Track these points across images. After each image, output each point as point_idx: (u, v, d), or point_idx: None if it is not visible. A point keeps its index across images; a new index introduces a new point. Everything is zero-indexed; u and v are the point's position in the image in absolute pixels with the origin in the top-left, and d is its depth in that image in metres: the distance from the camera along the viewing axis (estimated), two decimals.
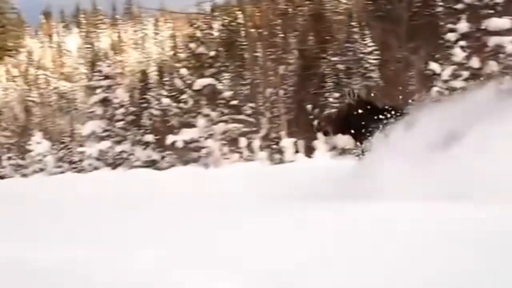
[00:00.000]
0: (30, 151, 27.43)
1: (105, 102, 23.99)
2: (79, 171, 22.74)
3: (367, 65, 23.72)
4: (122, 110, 23.38)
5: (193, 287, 2.28)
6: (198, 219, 4.20)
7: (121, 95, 23.77)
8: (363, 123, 4.96)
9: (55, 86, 70.22)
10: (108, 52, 71.89)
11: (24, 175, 25.43)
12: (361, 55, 23.92)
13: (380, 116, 4.85)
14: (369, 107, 5.23)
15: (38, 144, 27.17)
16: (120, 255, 2.93)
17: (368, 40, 24.15)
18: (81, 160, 24.50)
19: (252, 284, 2.21)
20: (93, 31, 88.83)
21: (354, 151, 5.39)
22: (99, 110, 24.04)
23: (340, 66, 23.74)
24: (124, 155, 22.41)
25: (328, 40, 25.73)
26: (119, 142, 22.73)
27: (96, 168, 21.46)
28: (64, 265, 3.03)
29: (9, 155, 28.66)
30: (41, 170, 26.00)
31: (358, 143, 5.36)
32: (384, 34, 21.95)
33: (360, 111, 5.17)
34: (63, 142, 34.25)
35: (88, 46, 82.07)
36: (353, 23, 25.20)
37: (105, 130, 23.14)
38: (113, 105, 23.64)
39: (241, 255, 2.69)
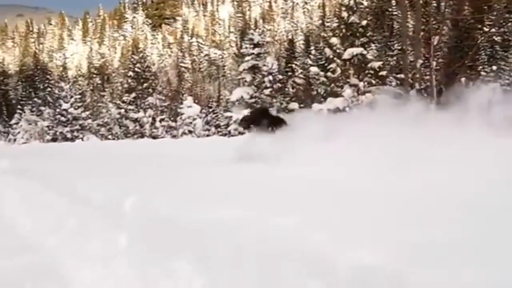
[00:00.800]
0: (181, 114, 29.19)
1: (254, 69, 24.83)
2: (224, 134, 23.82)
3: None
4: (270, 77, 24.04)
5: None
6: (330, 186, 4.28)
7: (270, 62, 24.42)
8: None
9: (206, 53, 73.91)
10: (258, 21, 73.80)
11: (174, 136, 27.18)
12: None
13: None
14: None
15: (189, 108, 28.82)
16: (267, 218, 3.06)
17: None
18: (227, 125, 25.63)
19: None
20: (245, 0, 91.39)
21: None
22: (247, 77, 24.96)
23: (497, 38, 22.07)
24: None
25: (485, 10, 23.94)
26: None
27: (240, 133, 22.40)
28: (215, 227, 3.25)
29: (162, 117, 30.79)
30: (190, 132, 27.60)
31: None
32: None
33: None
34: (210, 107, 36.18)
35: (240, 15, 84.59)
36: None
37: (252, 97, 23.98)
38: (262, 72, 24.39)
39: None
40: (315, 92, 21.92)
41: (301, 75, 27.87)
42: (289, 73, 27.95)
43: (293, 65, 30.55)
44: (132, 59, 34.04)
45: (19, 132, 40.04)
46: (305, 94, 25.12)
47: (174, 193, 4.32)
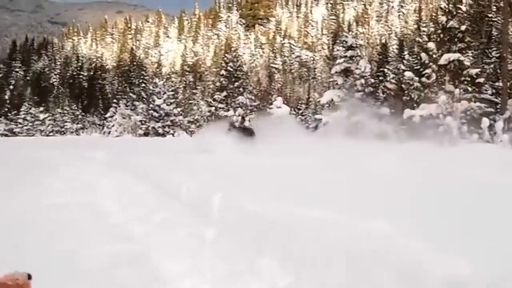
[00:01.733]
0: (270, 114, 29.71)
1: (345, 72, 24.89)
2: None
3: None
4: (362, 81, 24.02)
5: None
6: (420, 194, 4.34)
7: (363, 66, 24.39)
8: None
9: (297, 55, 74.37)
10: (352, 24, 73.33)
11: None
12: None
13: None
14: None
15: (279, 108, 29.24)
16: (351, 220, 3.11)
17: None
18: (316, 127, 25.84)
19: None
20: (339, 2, 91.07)
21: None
22: (339, 80, 25.06)
23: None
24: (359, 126, 23.05)
25: None
26: (355, 113, 23.44)
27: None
28: (304, 225, 3.34)
29: (251, 116, 31.47)
30: None
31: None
32: None
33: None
34: (299, 109, 36.47)
35: (333, 17, 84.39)
36: None
37: (342, 100, 24.06)
38: (354, 75, 24.41)
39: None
40: (407, 98, 21.63)
41: (393, 80, 27.49)
42: (381, 78, 27.64)
43: (385, 70, 30.14)
44: (225, 58, 35.09)
45: (113, 125, 42.37)
46: (397, 99, 24.79)
47: (262, 190, 4.67)
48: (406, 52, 34.06)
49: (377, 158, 8.53)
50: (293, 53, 75.73)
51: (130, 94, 47.19)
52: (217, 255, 3.89)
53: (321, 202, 3.74)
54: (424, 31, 29.67)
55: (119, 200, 6.46)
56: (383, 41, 56.95)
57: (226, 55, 37.24)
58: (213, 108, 32.54)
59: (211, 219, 4.48)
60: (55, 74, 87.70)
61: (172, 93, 39.58)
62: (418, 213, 3.39)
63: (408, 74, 20.37)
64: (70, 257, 3.91)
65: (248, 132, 18.13)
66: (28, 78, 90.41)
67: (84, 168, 10.33)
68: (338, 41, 26.99)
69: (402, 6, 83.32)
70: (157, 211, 5.39)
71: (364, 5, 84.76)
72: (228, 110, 31.72)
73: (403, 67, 25.31)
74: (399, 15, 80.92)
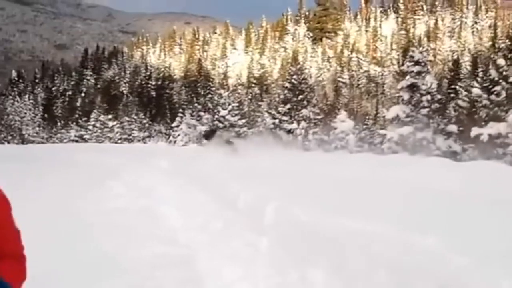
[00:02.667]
0: (334, 128, 30.00)
1: (412, 88, 24.91)
2: (377, 153, 24.08)
3: None
4: (428, 97, 23.99)
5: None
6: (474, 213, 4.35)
7: (429, 81, 24.36)
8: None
9: (365, 70, 74.08)
10: (422, 39, 72.40)
11: (326, 151, 27.95)
12: None
13: None
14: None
15: (343, 122, 29.54)
16: (400, 235, 3.23)
17: None
18: (381, 143, 25.94)
19: None
20: (410, 17, 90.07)
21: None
22: (405, 95, 25.10)
23: None
24: (424, 143, 23.03)
25: None
26: (421, 129, 23.44)
27: (394, 152, 22.64)
28: (354, 237, 3.51)
29: (315, 130, 31.85)
30: (342, 147, 28.26)
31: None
32: None
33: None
34: (366, 124, 36.53)
35: (403, 32, 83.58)
36: None
37: (408, 116, 24.10)
38: (420, 91, 24.41)
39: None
40: (476, 116, 21.49)
41: (465, 98, 27.22)
42: (452, 95, 27.42)
43: (457, 87, 29.88)
44: (289, 71, 35.74)
45: (179, 135, 43.77)
46: (468, 118, 24.57)
47: (314, 201, 4.90)
48: (480, 70, 33.61)
49: (439, 176, 8.54)
50: (361, 68, 75.42)
51: (196, 104, 48.67)
52: (269, 264, 4.12)
53: (376, 217, 3.84)
54: (498, 48, 29.26)
55: (177, 207, 6.81)
56: (455, 57, 56.11)
57: (291, 67, 37.90)
58: (277, 121, 33.19)
59: (266, 229, 4.74)
60: (124, 83, 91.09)
61: (237, 104, 40.54)
62: (475, 233, 3.36)
63: (476, 91, 20.26)
64: (123, 259, 4.19)
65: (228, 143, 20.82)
66: (98, 86, 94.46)
67: (147, 174, 10.89)
68: (407, 57, 26.98)
69: (476, 22, 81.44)
70: (214, 220, 5.72)
71: (436, 20, 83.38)
72: (292, 122, 32.29)
73: (476, 85, 25.06)
74: (472, 31, 79.09)
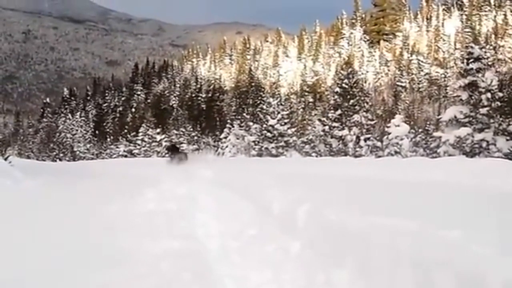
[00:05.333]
0: (388, 133, 29.45)
1: (471, 86, 24.13)
2: (434, 157, 23.42)
3: None
4: (488, 95, 23.16)
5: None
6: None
7: (489, 78, 23.52)
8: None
9: (426, 72, 72.51)
10: (489, 36, 70.22)
11: (379, 157, 27.47)
12: None
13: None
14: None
15: (397, 127, 28.94)
16: (426, 231, 3.39)
17: None
18: (438, 146, 25.25)
19: None
20: (475, 13, 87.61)
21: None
22: (463, 95, 24.35)
23: None
24: (484, 144, 22.26)
25: None
26: (480, 130, 22.68)
27: (450, 155, 21.97)
28: (372, 232, 3.73)
29: (367, 136, 31.37)
30: (396, 153, 27.69)
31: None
32: None
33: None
34: (427, 130, 35.65)
35: (468, 30, 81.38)
36: None
37: (467, 116, 23.35)
38: (479, 89, 23.61)
39: None
40: None
41: None
42: None
43: None
44: (340, 75, 35.44)
45: (227, 146, 44.14)
46: None
47: (343, 203, 5.07)
48: None
49: (491, 176, 8.34)
50: (421, 70, 73.95)
51: (244, 114, 48.95)
52: (298, 268, 4.31)
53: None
54: None
55: (218, 216, 6.99)
56: None
57: (341, 71, 37.60)
58: (327, 127, 32.91)
59: (297, 232, 4.94)
60: (174, 96, 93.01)
61: (287, 113, 40.48)
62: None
63: None
64: (152, 264, 4.33)
65: (182, 156, 22.26)
66: (148, 100, 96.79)
67: (186, 183, 11.17)
68: (468, 54, 26.21)
69: None
70: (250, 226, 5.96)
71: (505, 15, 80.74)
72: (343, 129, 31.95)
73: None
74: None
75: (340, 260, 3.89)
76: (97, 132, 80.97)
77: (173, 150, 23.05)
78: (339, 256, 3.94)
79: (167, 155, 24.94)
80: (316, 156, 30.85)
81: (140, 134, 56.20)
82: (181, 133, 56.87)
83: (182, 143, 50.76)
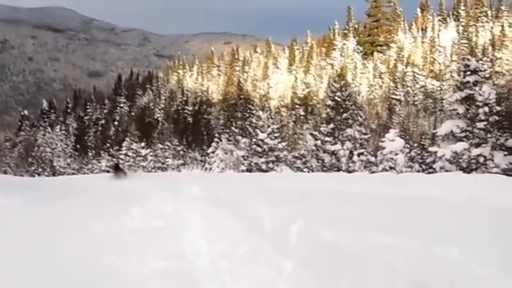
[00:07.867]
0: (382, 148, 29.57)
1: (468, 99, 24.38)
2: (429, 172, 23.58)
3: None
4: (485, 109, 23.41)
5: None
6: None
7: (486, 92, 23.78)
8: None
9: (422, 85, 72.97)
10: (487, 48, 70.90)
11: (373, 172, 27.56)
12: None
13: None
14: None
15: (391, 141, 29.09)
16: (421, 248, 3.43)
17: None
18: (433, 161, 25.43)
19: None
20: (472, 24, 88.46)
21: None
22: (460, 109, 24.60)
23: None
24: (481, 160, 22.46)
25: None
26: (477, 145, 22.90)
27: (447, 171, 22.12)
28: (368, 250, 3.75)
29: (361, 151, 31.47)
30: (391, 168, 27.80)
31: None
32: None
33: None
34: (423, 144, 35.89)
35: (464, 41, 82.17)
36: None
37: (463, 131, 23.58)
38: (477, 103, 23.86)
39: None
40: None
41: None
42: None
43: None
44: (332, 87, 35.61)
45: (215, 161, 44.13)
46: None
47: (337, 220, 5.13)
48: None
49: (487, 193, 8.53)
50: (417, 83, 74.47)
51: (233, 128, 49.02)
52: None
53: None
54: None
55: (207, 234, 7.07)
56: None
57: (334, 84, 37.77)
58: (319, 142, 32.98)
59: (290, 251, 4.90)
60: (159, 109, 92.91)
61: (277, 127, 40.53)
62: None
63: None
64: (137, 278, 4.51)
65: (121, 173, 26.34)
66: (132, 113, 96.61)
67: (173, 200, 11.23)
68: (465, 66, 26.52)
69: None
70: (240, 244, 5.93)
71: (502, 26, 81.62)
72: (336, 143, 32.06)
73: None
74: None
75: (335, 280, 3.89)
76: (78, 146, 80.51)
77: (116, 168, 30.18)
78: (333, 276, 3.94)
79: (111, 172, 31.76)
80: (308, 172, 30.87)
81: (124, 148, 55.99)
82: (167, 147, 56.81)
83: (167, 157, 50.77)
